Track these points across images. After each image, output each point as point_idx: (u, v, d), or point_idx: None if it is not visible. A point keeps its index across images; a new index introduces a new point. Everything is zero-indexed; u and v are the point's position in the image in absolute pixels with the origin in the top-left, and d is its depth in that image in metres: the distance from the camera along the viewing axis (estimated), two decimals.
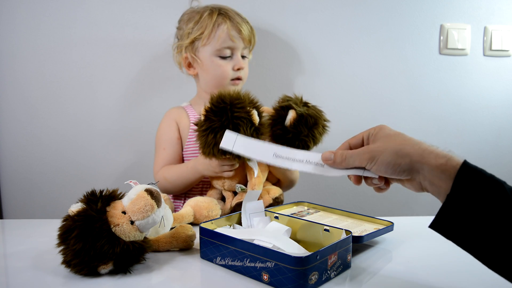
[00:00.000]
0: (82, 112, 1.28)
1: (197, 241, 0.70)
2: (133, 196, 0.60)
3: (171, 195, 1.06)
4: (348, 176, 0.60)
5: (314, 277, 0.54)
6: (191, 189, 1.03)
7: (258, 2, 1.28)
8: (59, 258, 0.58)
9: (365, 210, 1.34)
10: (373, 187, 0.60)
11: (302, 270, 0.52)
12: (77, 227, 0.56)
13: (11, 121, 1.27)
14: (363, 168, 0.56)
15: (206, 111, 0.82)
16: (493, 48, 1.36)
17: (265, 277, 0.55)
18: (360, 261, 0.65)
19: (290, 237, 0.67)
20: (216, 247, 0.62)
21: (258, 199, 0.76)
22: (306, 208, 0.89)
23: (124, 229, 0.58)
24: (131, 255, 0.58)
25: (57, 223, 0.59)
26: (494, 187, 0.46)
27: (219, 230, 0.67)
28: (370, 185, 0.59)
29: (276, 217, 0.74)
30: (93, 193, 0.61)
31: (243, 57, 1.07)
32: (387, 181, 0.57)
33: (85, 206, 0.58)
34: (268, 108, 0.96)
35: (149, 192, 0.60)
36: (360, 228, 0.74)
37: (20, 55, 1.25)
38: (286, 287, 0.53)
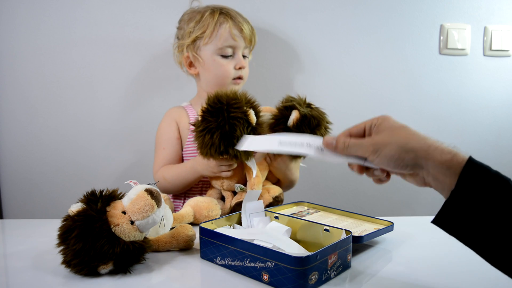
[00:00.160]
0: (82, 112, 1.28)
1: (197, 241, 0.70)
2: (133, 196, 0.60)
3: (171, 195, 1.06)
4: (350, 165, 0.59)
5: (314, 277, 0.54)
6: (191, 189, 1.03)
7: (258, 2, 1.28)
8: (59, 258, 0.58)
9: (365, 210, 1.34)
10: (373, 178, 0.59)
11: (302, 270, 0.52)
12: (77, 227, 0.56)
13: (11, 121, 1.27)
14: (365, 159, 0.55)
15: (203, 111, 0.82)
16: (493, 48, 1.36)
17: (265, 277, 0.55)
18: (360, 261, 0.65)
19: (290, 237, 0.67)
20: (216, 247, 0.62)
21: (258, 199, 0.77)
22: (306, 208, 0.89)
23: (124, 229, 0.58)
24: (131, 255, 0.58)
25: (57, 223, 0.59)
26: (500, 184, 0.45)
27: (219, 230, 0.67)
28: (370, 176, 0.59)
29: (276, 217, 0.74)
30: (93, 193, 0.61)
31: (244, 56, 1.07)
32: (388, 173, 0.57)
33: (85, 206, 0.58)
34: (270, 107, 0.96)
35: (149, 192, 0.60)
36: (360, 228, 0.74)
37: (20, 55, 1.24)
38: (286, 287, 0.53)
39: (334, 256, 0.57)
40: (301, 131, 0.88)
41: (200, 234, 0.65)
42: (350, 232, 0.63)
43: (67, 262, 0.57)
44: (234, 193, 0.94)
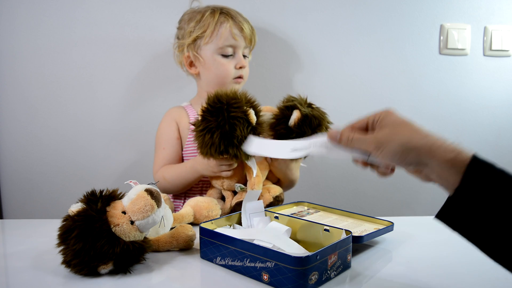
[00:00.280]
0: (82, 112, 1.28)
1: (197, 241, 0.70)
2: (133, 196, 0.60)
3: (171, 195, 1.06)
4: (354, 160, 0.59)
5: (314, 277, 0.54)
6: (191, 189, 1.03)
7: (258, 2, 1.28)
8: (59, 258, 0.58)
9: (365, 210, 1.34)
10: (377, 172, 0.59)
11: (302, 270, 0.52)
12: (77, 227, 0.56)
13: (11, 121, 1.27)
14: (368, 154, 0.55)
15: (203, 111, 0.83)
16: (493, 48, 1.36)
17: (265, 277, 0.55)
18: (360, 261, 0.65)
19: (290, 237, 0.67)
20: (216, 247, 0.62)
21: (258, 198, 0.77)
22: (306, 208, 0.89)
23: (124, 229, 0.58)
24: (131, 255, 0.58)
25: (57, 223, 0.59)
26: (505, 181, 0.45)
27: (219, 230, 0.67)
28: (374, 170, 0.59)
29: (276, 217, 0.74)
30: (93, 193, 0.61)
31: (244, 56, 1.07)
32: (392, 167, 0.57)
33: (85, 206, 0.58)
34: (271, 107, 0.96)
35: (149, 192, 0.60)
36: (360, 228, 0.74)
37: (20, 55, 1.24)
38: (286, 287, 0.53)
39: (334, 256, 0.57)
40: (302, 131, 0.88)
41: (200, 234, 0.65)
42: (350, 232, 0.63)
43: (67, 262, 0.57)
44: (235, 192, 0.94)
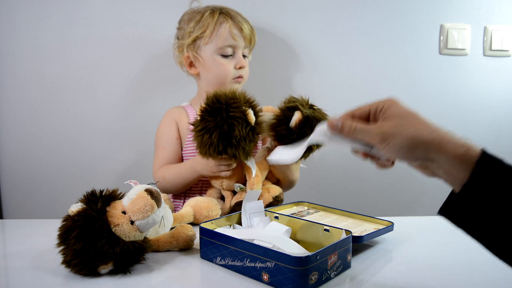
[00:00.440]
0: (82, 112, 1.28)
1: (197, 241, 0.70)
2: (133, 196, 0.60)
3: (171, 195, 1.06)
4: (354, 151, 0.57)
5: (314, 277, 0.54)
6: (191, 189, 1.03)
7: (258, 2, 1.28)
8: (59, 258, 0.58)
9: (365, 210, 1.34)
10: (376, 164, 0.57)
11: (302, 270, 0.52)
12: (77, 227, 0.56)
13: (11, 121, 1.27)
14: (371, 146, 0.52)
15: (202, 111, 0.82)
16: (493, 48, 1.36)
17: (265, 277, 0.55)
18: (360, 261, 0.65)
19: (290, 237, 0.67)
20: (216, 247, 0.62)
21: (258, 198, 0.76)
22: (306, 208, 0.89)
23: (124, 229, 0.58)
24: (131, 255, 0.58)
25: (57, 223, 0.59)
26: None
27: (219, 230, 0.67)
28: (373, 161, 0.56)
29: (276, 217, 0.74)
30: (93, 193, 0.61)
31: (244, 56, 1.07)
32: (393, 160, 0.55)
33: (85, 206, 0.58)
34: (273, 107, 0.96)
35: (149, 192, 0.60)
36: (360, 228, 0.74)
37: (20, 55, 1.24)
38: (286, 287, 0.53)
39: (334, 256, 0.57)
40: (303, 132, 0.87)
41: (200, 234, 0.65)
42: (350, 232, 0.63)
43: (67, 262, 0.57)
44: (234, 192, 0.94)
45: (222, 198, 0.95)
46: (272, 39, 1.30)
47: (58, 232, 0.58)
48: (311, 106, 0.92)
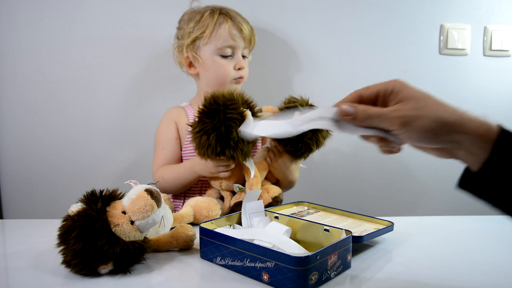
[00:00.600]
0: (82, 112, 1.28)
1: (197, 241, 0.70)
2: (133, 196, 0.60)
3: (171, 195, 1.06)
4: (363, 136, 0.52)
5: (314, 277, 0.54)
6: (190, 189, 1.03)
7: (258, 2, 1.28)
8: (59, 258, 0.58)
9: (365, 210, 1.34)
10: (382, 149, 0.53)
11: (302, 270, 0.52)
12: (77, 227, 0.56)
13: (11, 121, 1.27)
14: (387, 131, 0.48)
15: (199, 112, 0.82)
16: (493, 48, 1.36)
17: (265, 277, 0.55)
18: (360, 261, 0.65)
19: (290, 237, 0.67)
20: (216, 247, 0.62)
21: (258, 199, 0.76)
22: (306, 208, 0.89)
23: (124, 229, 0.58)
24: (131, 255, 0.58)
25: (57, 223, 0.59)
26: None
27: (219, 230, 0.67)
28: (381, 146, 0.52)
29: (276, 217, 0.74)
30: (93, 193, 0.60)
31: (243, 56, 1.07)
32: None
33: (85, 206, 0.58)
34: (272, 107, 0.96)
35: (149, 192, 0.60)
36: (360, 228, 0.74)
37: (20, 55, 1.25)
38: (286, 287, 0.53)
39: (334, 256, 0.57)
40: (302, 133, 0.87)
41: (200, 234, 0.65)
42: (350, 232, 0.63)
43: (67, 262, 0.57)
44: (233, 193, 0.94)
45: (221, 198, 0.95)
46: (272, 39, 1.30)
47: (58, 232, 0.58)
48: (311, 106, 0.92)
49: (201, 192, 1.02)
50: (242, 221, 0.73)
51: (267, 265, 0.55)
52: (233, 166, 0.89)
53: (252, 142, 0.85)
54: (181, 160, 1.07)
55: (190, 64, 1.08)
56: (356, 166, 1.37)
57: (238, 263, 0.59)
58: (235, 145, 0.80)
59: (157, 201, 0.61)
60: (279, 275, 0.53)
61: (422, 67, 1.36)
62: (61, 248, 0.57)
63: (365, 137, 0.52)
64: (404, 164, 1.39)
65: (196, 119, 0.83)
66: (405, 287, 0.57)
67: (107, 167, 1.30)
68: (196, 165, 0.92)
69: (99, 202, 0.59)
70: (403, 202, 1.41)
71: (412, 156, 1.34)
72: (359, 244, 0.70)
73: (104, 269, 0.57)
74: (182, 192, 1.04)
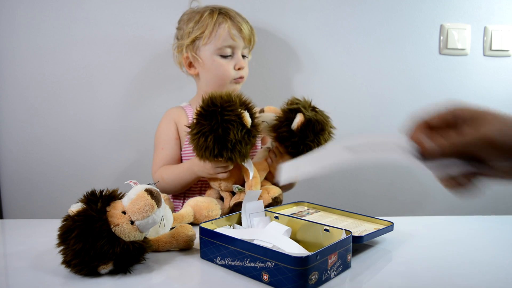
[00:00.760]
0: (82, 112, 1.28)
1: (197, 241, 0.70)
2: (133, 196, 0.60)
3: (171, 195, 1.06)
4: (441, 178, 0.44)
5: (314, 277, 0.54)
6: (190, 189, 1.03)
7: (258, 2, 1.28)
8: (59, 258, 0.58)
9: (365, 210, 1.34)
10: (450, 185, 0.45)
11: (302, 270, 0.52)
12: (77, 227, 0.56)
13: (11, 121, 1.27)
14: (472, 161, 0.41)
15: (197, 114, 0.82)
16: (493, 48, 1.36)
17: (265, 277, 0.55)
18: (360, 261, 0.65)
19: (290, 237, 0.67)
20: (216, 247, 0.62)
21: (258, 199, 0.76)
22: (306, 208, 0.89)
23: (124, 229, 0.58)
24: (131, 255, 0.58)
25: (57, 223, 0.59)
26: None
27: (219, 230, 0.67)
28: (448, 183, 0.44)
29: (276, 217, 0.74)
30: (93, 193, 0.60)
31: (243, 56, 1.07)
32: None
33: (85, 206, 0.58)
34: (275, 108, 0.95)
35: (149, 192, 0.60)
36: (360, 228, 0.74)
37: (20, 55, 1.25)
38: (286, 287, 0.53)
39: (334, 256, 0.57)
40: (304, 135, 0.87)
41: (200, 234, 0.65)
42: (350, 232, 0.63)
43: (67, 262, 0.57)
44: (233, 193, 0.94)
45: (221, 198, 0.95)
46: (272, 39, 1.30)
47: (58, 232, 0.58)
48: (314, 109, 0.92)
49: (200, 192, 1.02)
50: (242, 221, 0.73)
51: (267, 265, 0.55)
52: (231, 167, 0.89)
53: (251, 144, 0.85)
54: (181, 160, 1.07)
55: (190, 64, 1.08)
56: (356, 166, 1.37)
57: (238, 263, 0.59)
58: (232, 147, 0.80)
59: (157, 201, 0.61)
60: (279, 275, 0.53)
61: (422, 67, 1.36)
62: (61, 248, 0.57)
63: (445, 181, 0.45)
64: (404, 164, 1.39)
65: (194, 121, 0.83)
66: (405, 287, 0.57)
67: (107, 167, 1.30)
68: (194, 166, 0.92)
69: (99, 202, 0.59)
70: (403, 202, 1.41)
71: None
72: (359, 244, 0.70)
73: (104, 269, 0.57)
74: (182, 192, 1.04)
